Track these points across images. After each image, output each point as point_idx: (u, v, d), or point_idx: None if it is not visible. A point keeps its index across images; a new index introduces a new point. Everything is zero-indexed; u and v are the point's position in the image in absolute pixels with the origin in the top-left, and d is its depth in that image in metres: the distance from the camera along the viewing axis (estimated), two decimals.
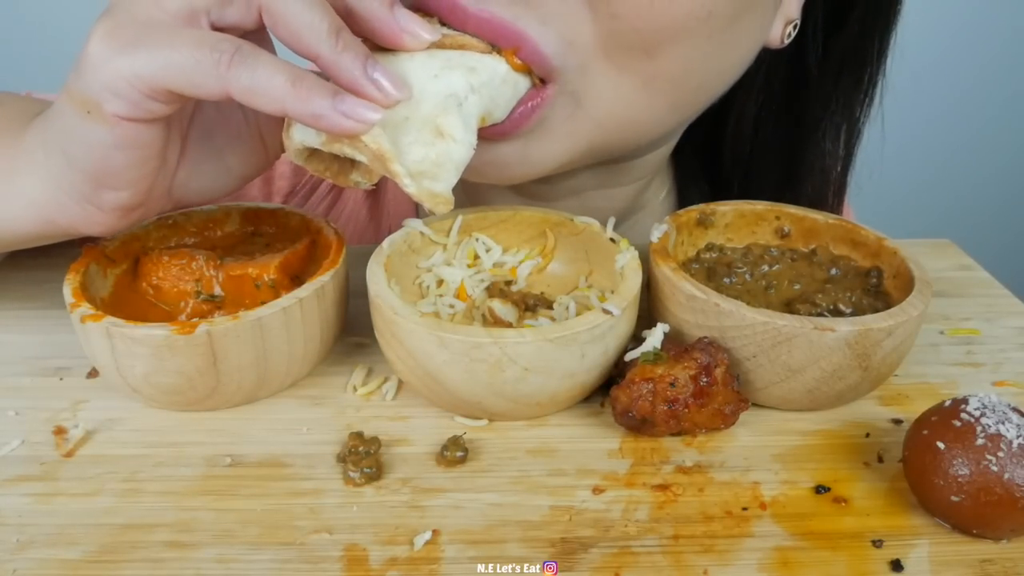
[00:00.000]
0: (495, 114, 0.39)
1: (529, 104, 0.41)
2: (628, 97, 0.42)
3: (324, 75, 0.34)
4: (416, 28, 0.36)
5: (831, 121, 0.57)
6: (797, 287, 0.44)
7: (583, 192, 0.56)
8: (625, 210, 0.60)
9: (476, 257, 0.47)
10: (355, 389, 0.42)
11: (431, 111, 0.36)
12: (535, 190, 0.55)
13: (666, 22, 0.39)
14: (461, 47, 0.38)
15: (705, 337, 0.39)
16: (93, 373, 0.43)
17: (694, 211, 0.47)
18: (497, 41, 0.39)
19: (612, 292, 0.40)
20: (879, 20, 0.54)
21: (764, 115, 0.58)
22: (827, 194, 0.61)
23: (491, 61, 0.38)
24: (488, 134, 0.41)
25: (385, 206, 0.65)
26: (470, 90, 0.37)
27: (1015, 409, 0.33)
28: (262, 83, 0.32)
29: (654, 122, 0.45)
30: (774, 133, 0.59)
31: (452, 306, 0.44)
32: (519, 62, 0.39)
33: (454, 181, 0.36)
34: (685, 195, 0.65)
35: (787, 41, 0.49)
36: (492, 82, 0.38)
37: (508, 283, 0.46)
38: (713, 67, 0.44)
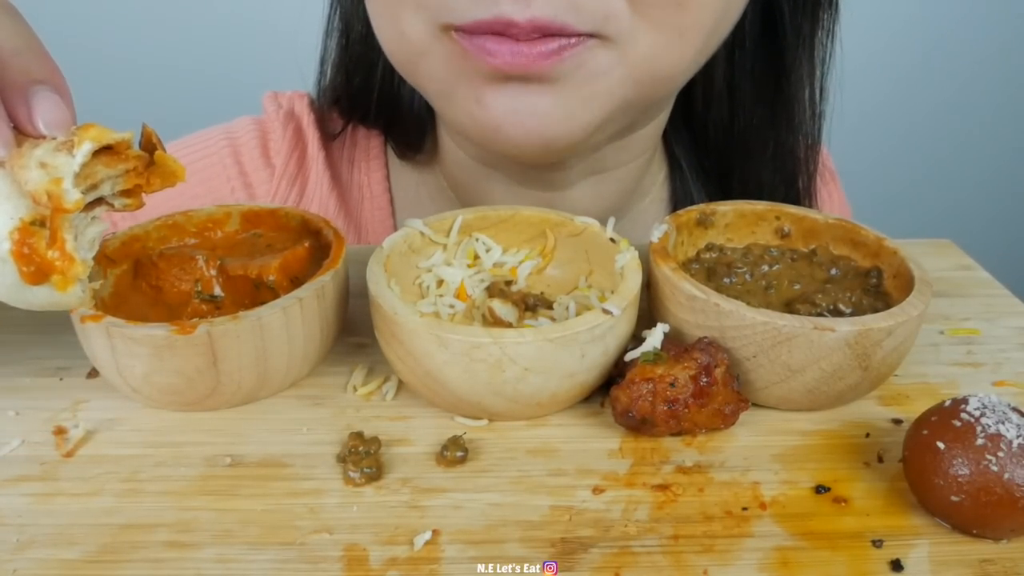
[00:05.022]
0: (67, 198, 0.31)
1: (558, 44, 0.42)
2: (664, 50, 0.44)
3: None
4: None
5: (805, 46, 0.58)
6: (797, 287, 0.44)
7: (598, 172, 0.57)
8: (629, 192, 0.61)
9: (476, 257, 0.47)
10: (355, 389, 0.42)
11: None
12: (548, 177, 0.56)
13: None
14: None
15: (705, 337, 0.39)
16: (93, 373, 0.43)
17: (694, 211, 0.47)
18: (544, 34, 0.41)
19: (612, 292, 0.40)
20: None
21: (740, 57, 0.59)
22: (807, 120, 0.62)
23: None
24: (512, 71, 0.42)
25: (362, 218, 0.65)
26: None
27: (1015, 409, 0.33)
28: None
29: (682, 72, 0.47)
30: (753, 68, 0.60)
31: (452, 306, 0.44)
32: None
33: None
34: (681, 175, 0.66)
35: None
36: None
37: (508, 283, 0.46)
38: (731, 4, 0.46)
